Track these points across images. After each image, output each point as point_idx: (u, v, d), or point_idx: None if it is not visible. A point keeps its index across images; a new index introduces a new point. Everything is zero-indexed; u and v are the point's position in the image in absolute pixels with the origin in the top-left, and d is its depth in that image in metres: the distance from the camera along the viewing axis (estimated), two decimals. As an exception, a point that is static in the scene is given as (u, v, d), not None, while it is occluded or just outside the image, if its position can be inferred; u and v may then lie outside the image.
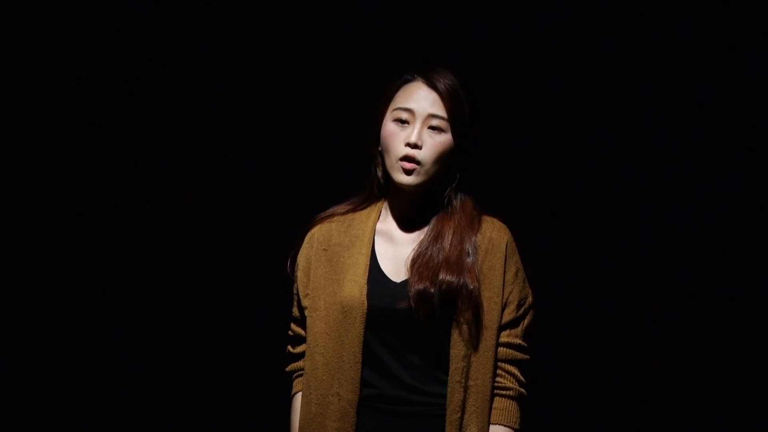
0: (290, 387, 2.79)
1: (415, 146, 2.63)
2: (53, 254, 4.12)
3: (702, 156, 4.00)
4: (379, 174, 2.73)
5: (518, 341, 2.70)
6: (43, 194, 4.11)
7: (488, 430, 2.64)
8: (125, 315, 4.12)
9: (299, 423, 2.71)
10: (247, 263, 4.04)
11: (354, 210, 2.76)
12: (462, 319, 2.62)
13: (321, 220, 2.77)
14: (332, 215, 2.77)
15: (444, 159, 2.65)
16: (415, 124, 2.64)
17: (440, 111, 2.65)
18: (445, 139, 2.65)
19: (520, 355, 2.70)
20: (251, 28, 4.09)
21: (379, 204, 2.75)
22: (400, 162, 2.64)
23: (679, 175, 4.01)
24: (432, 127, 2.64)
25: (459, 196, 2.71)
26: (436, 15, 4.04)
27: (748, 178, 3.99)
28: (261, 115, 4.10)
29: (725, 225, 4.00)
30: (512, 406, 2.67)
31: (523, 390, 2.70)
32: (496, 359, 2.66)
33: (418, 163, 2.63)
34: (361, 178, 2.81)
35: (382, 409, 2.64)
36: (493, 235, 2.70)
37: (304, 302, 2.73)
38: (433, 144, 2.64)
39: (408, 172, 2.63)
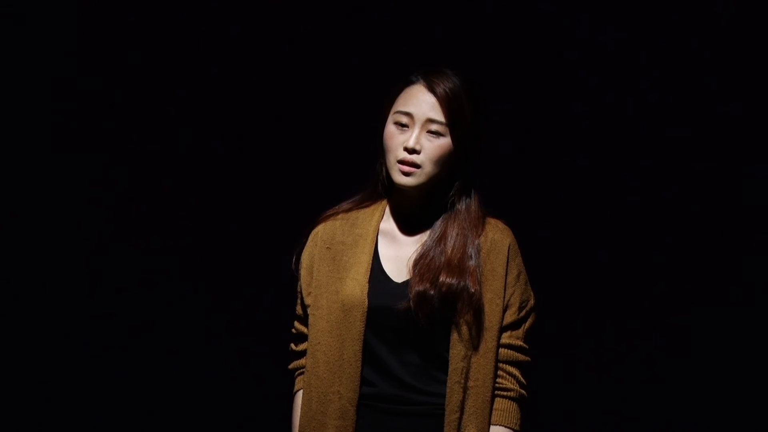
0: (292, 385, 2.80)
1: (413, 151, 2.64)
2: (59, 253, 4.14)
3: (706, 157, 4.00)
4: (384, 173, 2.73)
5: (519, 343, 2.70)
6: (44, 194, 4.13)
7: (488, 431, 2.65)
8: (128, 313, 4.13)
9: (300, 421, 2.71)
10: (251, 261, 4.05)
11: (358, 208, 2.77)
12: (462, 321, 2.63)
13: (325, 219, 2.78)
14: (336, 213, 2.78)
15: (443, 162, 2.66)
16: (414, 129, 2.65)
17: (438, 115, 2.65)
18: (443, 143, 2.66)
19: (521, 357, 2.70)
20: (264, 27, 4.10)
21: (383, 203, 2.76)
22: (398, 164, 2.65)
23: (683, 176, 4.01)
24: (431, 131, 2.65)
25: (464, 199, 2.71)
26: (446, 13, 4.04)
27: (753, 179, 4.00)
28: (268, 113, 4.11)
29: (731, 226, 4.00)
30: (512, 407, 2.68)
31: (523, 391, 2.70)
32: (497, 360, 2.67)
33: (416, 166, 2.64)
34: (367, 176, 2.82)
35: (381, 408, 2.64)
36: (496, 237, 2.70)
37: (307, 300, 2.74)
38: (431, 148, 2.64)
39: (406, 174, 2.64)
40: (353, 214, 2.76)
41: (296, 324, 2.81)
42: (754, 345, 4.01)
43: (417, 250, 2.68)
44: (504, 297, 2.67)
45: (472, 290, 2.62)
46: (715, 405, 4.01)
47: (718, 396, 4.01)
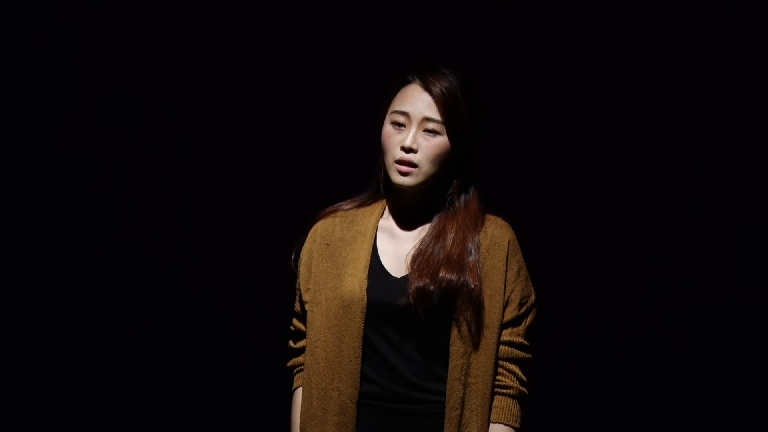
0: (291, 382, 2.79)
1: (410, 150, 2.64)
2: (59, 253, 4.13)
3: (706, 157, 4.00)
4: (383, 173, 2.73)
5: (520, 340, 2.70)
6: (44, 194, 4.12)
7: (489, 428, 2.65)
8: (128, 313, 4.13)
9: (300, 418, 2.71)
10: (250, 261, 4.05)
11: (359, 207, 2.78)
12: (462, 317, 2.62)
13: (325, 215, 2.78)
14: (336, 211, 2.78)
15: (441, 161, 2.66)
16: (411, 128, 2.65)
17: (435, 114, 2.65)
18: (440, 141, 2.66)
19: (521, 354, 2.70)
20: (264, 27, 4.10)
21: (382, 202, 2.76)
22: (395, 164, 2.65)
23: (683, 176, 4.01)
24: (427, 130, 2.65)
25: (462, 196, 2.72)
26: (446, 13, 4.04)
27: (753, 179, 4.00)
28: (267, 113, 4.11)
29: (731, 226, 4.00)
30: (513, 404, 2.67)
31: (524, 389, 2.70)
32: (497, 357, 2.67)
33: (414, 165, 2.64)
34: (367, 176, 2.82)
35: (382, 407, 2.64)
36: (495, 233, 2.70)
37: (305, 297, 2.74)
38: (428, 147, 2.65)
39: (404, 174, 2.65)
40: (352, 212, 2.77)
41: (294, 321, 2.81)
42: (754, 345, 4.00)
43: (415, 245, 2.68)
44: (504, 293, 2.67)
45: (472, 286, 2.62)
46: (715, 405, 4.01)
47: (718, 396, 4.01)
